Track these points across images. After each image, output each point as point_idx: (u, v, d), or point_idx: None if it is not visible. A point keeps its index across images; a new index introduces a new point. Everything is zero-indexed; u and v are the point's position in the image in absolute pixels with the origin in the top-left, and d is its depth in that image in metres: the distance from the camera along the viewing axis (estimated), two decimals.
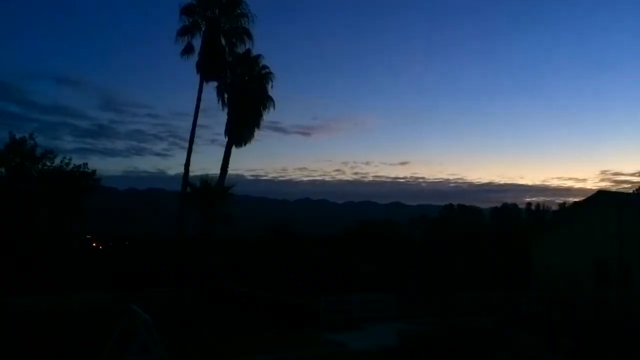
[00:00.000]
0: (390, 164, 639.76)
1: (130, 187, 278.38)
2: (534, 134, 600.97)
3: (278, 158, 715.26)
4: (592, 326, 18.38)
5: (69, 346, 16.09)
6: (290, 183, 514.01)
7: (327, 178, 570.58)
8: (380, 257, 44.59)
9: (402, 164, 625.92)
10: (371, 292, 27.50)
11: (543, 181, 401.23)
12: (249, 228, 64.58)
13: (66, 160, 35.51)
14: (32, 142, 34.27)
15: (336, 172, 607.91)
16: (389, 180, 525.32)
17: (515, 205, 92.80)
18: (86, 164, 36.45)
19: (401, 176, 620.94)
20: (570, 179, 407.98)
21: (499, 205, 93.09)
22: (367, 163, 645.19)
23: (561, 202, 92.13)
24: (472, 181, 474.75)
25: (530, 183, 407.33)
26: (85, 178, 36.16)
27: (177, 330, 18.55)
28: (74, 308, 24.90)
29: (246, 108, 26.00)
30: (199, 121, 25.45)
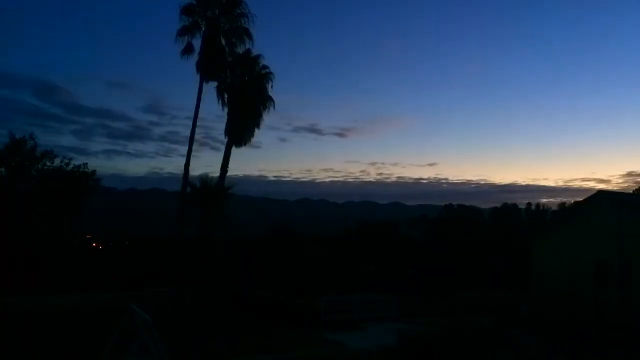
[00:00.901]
0: (418, 165, 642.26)
1: (130, 187, 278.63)
2: (561, 134, 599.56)
3: (310, 159, 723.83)
4: (592, 326, 18.39)
5: (69, 346, 16.09)
6: (311, 184, 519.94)
7: (349, 179, 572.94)
8: (380, 257, 44.63)
9: (431, 165, 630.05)
10: (371, 292, 27.51)
11: (566, 182, 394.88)
12: (249, 228, 64.64)
13: (66, 160, 35.58)
14: (32, 142, 34.33)
15: (361, 173, 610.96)
16: (412, 181, 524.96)
17: (515, 205, 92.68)
18: (86, 163, 36.57)
19: (425, 177, 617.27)
20: (594, 179, 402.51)
21: (499, 205, 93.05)
22: (395, 164, 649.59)
23: (561, 202, 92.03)
24: (495, 182, 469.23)
25: (553, 184, 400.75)
26: (85, 178, 36.20)
27: (177, 330, 18.53)
28: (74, 308, 24.89)
29: (246, 108, 26.01)
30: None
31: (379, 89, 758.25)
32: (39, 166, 34.66)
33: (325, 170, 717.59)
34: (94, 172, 36.84)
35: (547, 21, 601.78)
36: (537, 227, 39.98)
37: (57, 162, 35.11)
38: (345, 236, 56.04)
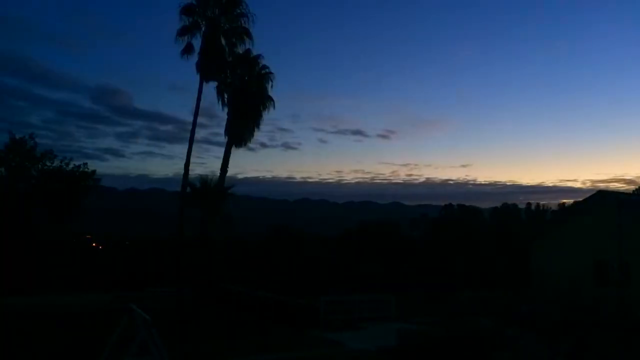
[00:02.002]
0: (452, 166, 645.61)
1: (130, 187, 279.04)
2: (594, 134, 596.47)
3: (346, 160, 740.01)
4: (592, 326, 18.38)
5: (69, 346, 16.10)
6: (334, 185, 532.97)
7: (377, 180, 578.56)
8: (380, 257, 44.63)
9: (464, 166, 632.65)
10: (371, 292, 27.51)
11: (594, 183, 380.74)
12: (249, 228, 64.68)
13: (66, 161, 35.59)
14: (31, 142, 34.32)
15: (392, 174, 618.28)
16: (439, 182, 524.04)
17: (515, 205, 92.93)
18: (86, 163, 36.57)
19: (455, 178, 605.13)
20: (622, 180, 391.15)
21: (499, 205, 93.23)
22: (429, 165, 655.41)
23: (561, 202, 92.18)
24: (522, 183, 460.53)
25: (580, 186, 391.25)
26: (84, 178, 36.20)
27: (177, 330, 18.55)
28: (74, 308, 24.91)
29: (246, 108, 26.02)
30: None
31: (425, 92, 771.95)
32: (39, 166, 34.68)
33: (356, 171, 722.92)
34: (93, 172, 36.87)
35: (578, 20, 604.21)
36: (537, 227, 39.98)
37: (57, 162, 35.14)
38: (345, 236, 56.04)
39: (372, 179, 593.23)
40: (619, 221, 22.42)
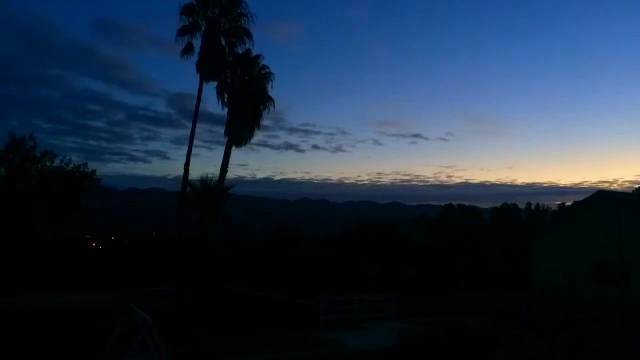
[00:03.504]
0: (497, 168, 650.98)
1: (130, 187, 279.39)
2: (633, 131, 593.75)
3: (394, 163, 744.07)
4: (592, 326, 18.37)
5: (69, 346, 16.10)
6: (361, 187, 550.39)
7: (414, 182, 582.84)
8: (380, 257, 44.63)
9: (509, 168, 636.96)
10: (371, 292, 27.51)
11: (632, 183, 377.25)
12: (249, 228, 64.64)
13: (66, 161, 35.63)
14: (31, 142, 34.35)
15: (431, 176, 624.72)
16: (473, 183, 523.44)
17: (515, 205, 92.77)
18: (86, 164, 36.62)
19: (492, 180, 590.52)
20: None
21: (499, 205, 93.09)
22: (472, 167, 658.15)
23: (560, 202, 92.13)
24: (558, 184, 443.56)
25: (616, 187, 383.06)
26: (84, 178, 36.23)
27: (177, 330, 18.54)
28: (73, 308, 24.90)
29: (246, 108, 25.99)
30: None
31: (487, 93, 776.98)
32: (39, 166, 34.71)
33: (397, 172, 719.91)
34: (93, 172, 36.94)
35: (617, 20, 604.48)
36: (537, 227, 39.97)
37: (57, 162, 35.18)
38: (345, 236, 56.05)
39: (409, 180, 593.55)
40: (619, 221, 22.40)
